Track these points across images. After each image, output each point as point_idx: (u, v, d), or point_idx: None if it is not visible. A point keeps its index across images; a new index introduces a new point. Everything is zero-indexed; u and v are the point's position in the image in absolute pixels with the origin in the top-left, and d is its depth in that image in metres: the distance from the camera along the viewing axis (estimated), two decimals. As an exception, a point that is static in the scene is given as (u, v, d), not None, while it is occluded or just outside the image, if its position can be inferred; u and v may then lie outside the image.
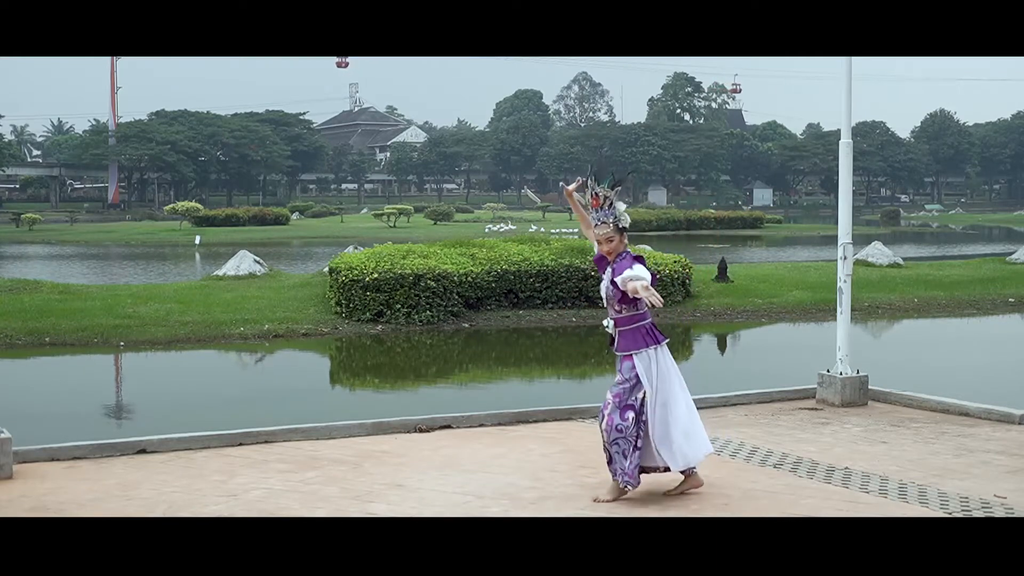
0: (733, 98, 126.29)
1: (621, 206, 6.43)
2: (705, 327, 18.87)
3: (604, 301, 6.54)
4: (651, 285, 6.15)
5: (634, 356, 6.39)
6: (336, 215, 75.36)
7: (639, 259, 6.32)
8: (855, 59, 10.08)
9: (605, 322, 6.54)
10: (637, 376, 6.37)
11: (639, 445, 6.41)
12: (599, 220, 6.41)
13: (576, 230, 50.52)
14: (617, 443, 6.39)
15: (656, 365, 6.41)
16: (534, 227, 51.43)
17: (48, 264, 37.35)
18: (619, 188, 6.47)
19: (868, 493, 6.89)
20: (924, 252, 42.07)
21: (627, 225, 6.43)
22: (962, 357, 16.09)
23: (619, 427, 6.37)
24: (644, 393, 6.38)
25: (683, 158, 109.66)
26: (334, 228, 59.39)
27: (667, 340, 6.52)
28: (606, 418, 6.40)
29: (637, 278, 6.14)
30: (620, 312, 6.42)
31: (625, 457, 6.39)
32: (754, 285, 21.81)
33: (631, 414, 6.36)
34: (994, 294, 22.18)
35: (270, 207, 75.35)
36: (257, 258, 23.56)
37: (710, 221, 59.93)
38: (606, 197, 6.41)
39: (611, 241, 6.39)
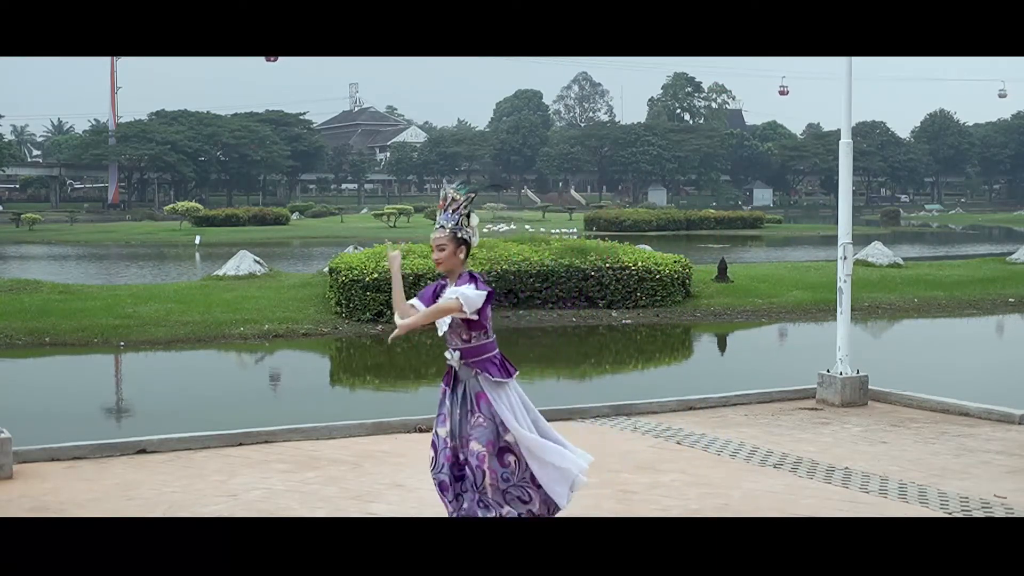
0: (734, 97, 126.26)
1: (475, 219, 5.56)
2: (705, 327, 18.86)
3: (445, 330, 5.53)
4: (486, 304, 5.40)
5: (489, 394, 5.44)
6: (336, 215, 75.33)
7: (474, 278, 5.41)
8: (855, 59, 10.10)
9: (447, 355, 5.57)
10: (497, 416, 5.41)
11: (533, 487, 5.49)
12: (439, 223, 5.50)
13: (575, 230, 50.51)
14: (509, 492, 5.40)
15: (516, 398, 5.53)
16: (529, 227, 51.32)
17: (48, 264, 37.35)
18: (473, 196, 5.57)
19: (868, 493, 6.90)
20: (924, 252, 42.06)
21: (468, 240, 5.49)
22: (962, 357, 16.09)
23: (505, 476, 5.39)
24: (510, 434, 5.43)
25: (683, 158, 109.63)
26: (334, 228, 59.38)
27: (517, 372, 5.62)
28: (487, 473, 5.36)
29: (454, 296, 5.31)
30: (468, 341, 5.46)
31: (526, 502, 5.42)
32: (754, 285, 21.81)
33: (511, 457, 5.42)
34: (994, 294, 22.18)
35: (270, 207, 75.30)
36: (257, 258, 23.56)
37: (710, 221, 59.89)
38: (453, 200, 5.52)
39: (442, 250, 5.43)
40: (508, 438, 5.42)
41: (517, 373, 5.58)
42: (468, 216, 5.52)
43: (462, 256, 5.48)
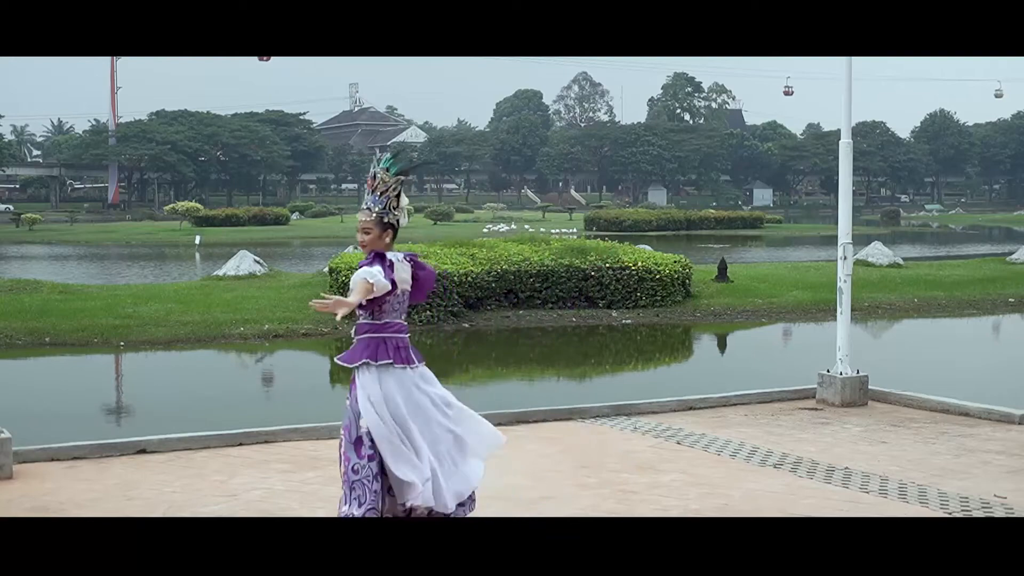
0: (734, 97, 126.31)
1: (404, 201, 5.41)
2: (705, 327, 18.86)
3: None
4: (388, 293, 5.24)
5: (355, 372, 5.31)
6: (336, 215, 75.34)
7: (380, 258, 5.30)
8: (855, 59, 10.10)
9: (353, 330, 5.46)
10: (358, 402, 5.28)
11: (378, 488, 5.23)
12: (366, 205, 5.36)
13: (575, 230, 50.51)
14: (354, 487, 5.20)
15: (376, 388, 5.25)
16: (528, 227, 51.32)
17: (48, 264, 37.35)
18: (403, 179, 5.39)
19: (868, 493, 6.90)
20: (924, 252, 42.08)
21: (395, 223, 5.35)
22: (962, 357, 16.09)
23: (355, 467, 5.21)
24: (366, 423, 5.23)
25: (683, 158, 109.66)
26: (334, 228, 59.35)
27: (389, 361, 5.29)
28: (342, 460, 5.30)
29: (366, 279, 5.17)
30: (357, 318, 5.39)
31: (360, 505, 5.18)
32: (754, 285, 21.82)
33: (364, 448, 5.23)
34: (994, 294, 22.18)
35: (270, 207, 75.33)
36: (257, 258, 23.56)
37: (710, 221, 59.92)
38: (383, 181, 5.35)
39: (368, 233, 5.31)
40: (363, 425, 5.22)
41: (388, 362, 5.25)
42: (398, 197, 5.38)
43: (387, 240, 5.35)
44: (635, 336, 17.71)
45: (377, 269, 5.21)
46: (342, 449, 5.30)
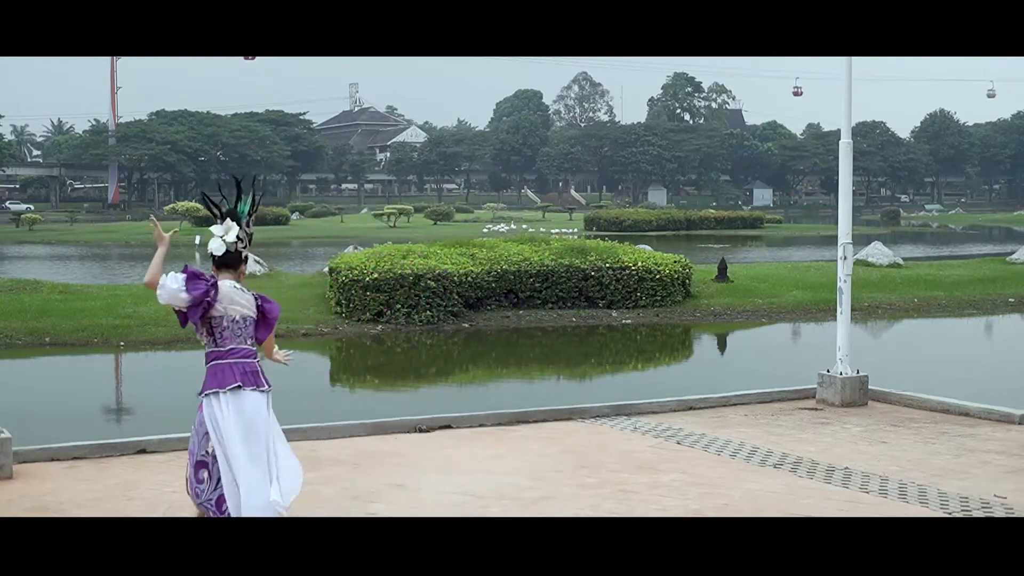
0: (734, 97, 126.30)
1: (215, 231, 5.78)
2: (705, 327, 18.86)
3: None
4: (192, 310, 5.42)
5: (202, 400, 5.43)
6: (336, 215, 75.35)
7: (194, 275, 5.53)
8: (855, 59, 10.11)
9: None
10: (203, 426, 5.40)
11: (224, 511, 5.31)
12: None
13: (575, 230, 50.49)
14: (204, 507, 5.38)
15: (224, 413, 5.36)
16: (528, 227, 51.30)
17: (48, 264, 37.34)
18: (217, 215, 5.83)
19: (868, 493, 6.90)
20: (924, 252, 42.07)
21: (212, 253, 5.72)
22: (962, 357, 16.09)
23: (197, 491, 5.39)
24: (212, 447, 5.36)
25: (683, 158, 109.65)
26: (334, 228, 59.37)
27: (226, 387, 5.40)
28: (188, 479, 5.46)
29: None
30: (205, 347, 5.54)
31: None
32: (754, 285, 21.81)
33: (204, 473, 5.37)
34: (994, 294, 22.19)
35: (270, 207, 75.23)
36: (257, 258, 23.53)
37: (710, 221, 59.90)
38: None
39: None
40: (210, 450, 5.36)
41: (236, 385, 5.40)
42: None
43: (213, 271, 5.67)
44: (635, 336, 17.71)
45: (173, 276, 5.48)
46: (187, 472, 5.46)
